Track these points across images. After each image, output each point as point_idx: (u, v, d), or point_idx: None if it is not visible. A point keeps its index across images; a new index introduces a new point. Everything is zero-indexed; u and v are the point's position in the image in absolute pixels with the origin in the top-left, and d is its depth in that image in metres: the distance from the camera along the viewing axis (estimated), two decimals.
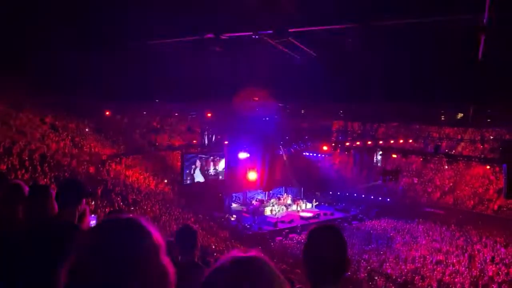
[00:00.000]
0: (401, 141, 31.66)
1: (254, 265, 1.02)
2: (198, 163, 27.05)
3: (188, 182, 26.75)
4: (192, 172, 26.63)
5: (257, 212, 30.71)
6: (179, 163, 29.41)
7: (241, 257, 1.05)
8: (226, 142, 29.63)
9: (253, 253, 1.08)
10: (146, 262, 1.14)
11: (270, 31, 5.95)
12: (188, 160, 26.85)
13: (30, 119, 24.43)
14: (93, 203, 18.39)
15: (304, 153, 38.09)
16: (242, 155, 30.01)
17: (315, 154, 37.64)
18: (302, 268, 1.93)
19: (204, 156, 27.38)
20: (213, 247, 19.31)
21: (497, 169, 28.32)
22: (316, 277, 1.90)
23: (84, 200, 2.71)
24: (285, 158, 34.73)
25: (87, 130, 28.49)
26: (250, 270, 1.01)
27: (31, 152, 20.70)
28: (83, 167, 23.29)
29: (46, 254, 2.01)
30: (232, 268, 1.02)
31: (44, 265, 1.91)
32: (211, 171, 30.10)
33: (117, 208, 19.93)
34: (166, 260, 1.21)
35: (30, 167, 19.27)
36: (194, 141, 32.83)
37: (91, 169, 23.72)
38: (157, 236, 1.22)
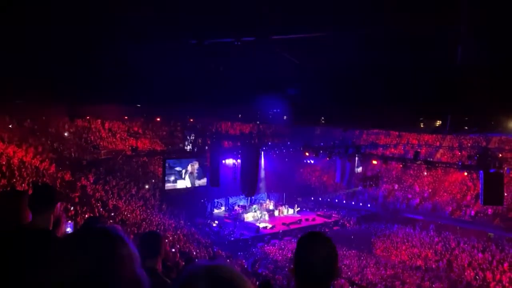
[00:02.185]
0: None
1: (225, 273, 1.03)
2: (190, 168, 26.92)
3: (177, 187, 26.58)
4: (183, 176, 26.50)
5: (239, 218, 30.64)
6: (161, 168, 29.11)
7: (211, 265, 1.06)
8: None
9: (220, 261, 1.09)
10: (120, 272, 1.13)
11: (253, 38, 5.97)
12: (178, 165, 26.69)
13: (8, 123, 23.94)
14: (72, 208, 18.08)
15: (286, 159, 38.24)
16: (226, 161, 29.92)
17: (297, 160, 37.80)
18: (292, 274, 1.96)
19: (194, 161, 27.27)
20: (194, 253, 19.16)
21: (474, 175, 28.89)
22: (306, 284, 1.92)
23: (58, 205, 2.65)
24: (262, 164, 34.60)
25: (66, 134, 28.04)
26: (220, 277, 1.02)
27: (8, 157, 20.27)
28: (62, 172, 22.89)
29: (18, 263, 1.97)
30: (203, 275, 1.03)
31: (16, 274, 1.87)
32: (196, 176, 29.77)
33: (97, 214, 19.63)
34: (140, 271, 1.20)
35: (7, 172, 18.85)
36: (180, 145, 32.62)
37: (70, 175, 23.32)
38: (132, 246, 1.21)
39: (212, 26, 5.39)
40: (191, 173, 27.27)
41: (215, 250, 22.41)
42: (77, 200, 20.17)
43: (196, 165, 27.38)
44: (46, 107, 19.96)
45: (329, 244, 1.97)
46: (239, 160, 29.60)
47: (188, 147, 29.74)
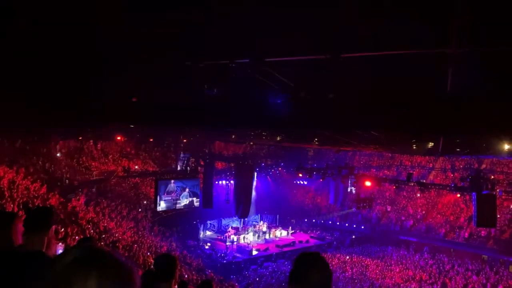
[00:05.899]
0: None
1: None
2: (186, 188, 26.78)
3: (174, 207, 26.42)
4: (179, 197, 26.32)
5: (232, 240, 30.30)
6: (153, 190, 28.85)
7: None
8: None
9: None
10: None
11: (247, 60, 6.02)
12: (171, 185, 26.60)
13: None
14: (62, 230, 17.77)
15: (279, 180, 38.18)
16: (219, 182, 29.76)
17: (290, 181, 37.74)
18: None
19: (187, 181, 27.13)
20: (186, 276, 18.85)
21: (467, 197, 28.99)
22: None
23: (53, 227, 2.63)
24: (255, 184, 34.46)
25: (58, 155, 27.82)
26: None
27: None
28: (53, 193, 22.59)
29: (8, 285, 1.92)
30: None
31: None
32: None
33: (88, 235, 19.30)
34: None
35: None
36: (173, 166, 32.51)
37: (61, 196, 23.02)
38: (130, 269, 1.17)
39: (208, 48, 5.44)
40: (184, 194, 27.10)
41: (207, 273, 22.06)
42: (64, 218, 19.83)
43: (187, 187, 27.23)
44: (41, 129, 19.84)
45: (324, 264, 1.99)
46: (232, 181, 29.52)
47: (181, 168, 29.60)
